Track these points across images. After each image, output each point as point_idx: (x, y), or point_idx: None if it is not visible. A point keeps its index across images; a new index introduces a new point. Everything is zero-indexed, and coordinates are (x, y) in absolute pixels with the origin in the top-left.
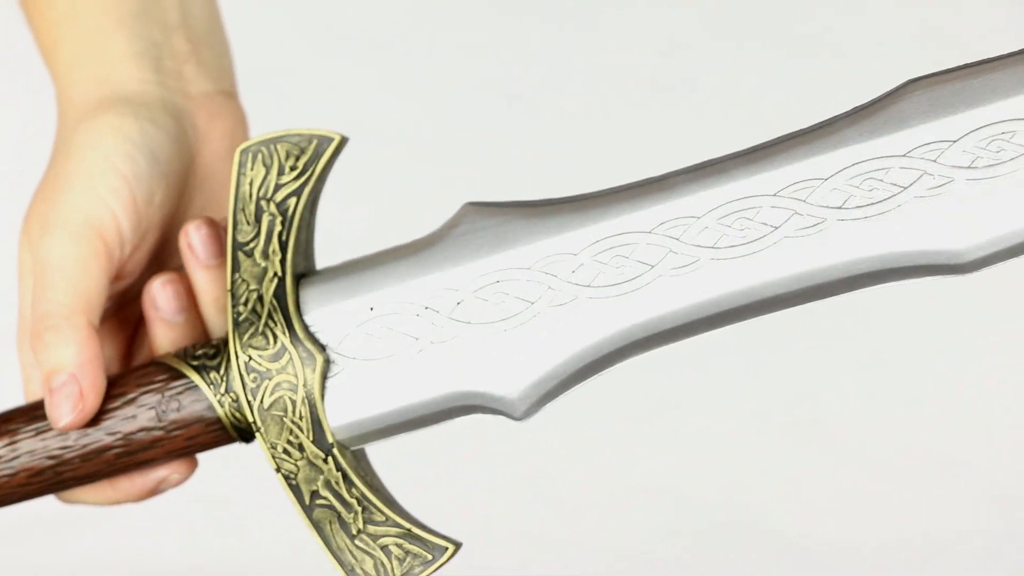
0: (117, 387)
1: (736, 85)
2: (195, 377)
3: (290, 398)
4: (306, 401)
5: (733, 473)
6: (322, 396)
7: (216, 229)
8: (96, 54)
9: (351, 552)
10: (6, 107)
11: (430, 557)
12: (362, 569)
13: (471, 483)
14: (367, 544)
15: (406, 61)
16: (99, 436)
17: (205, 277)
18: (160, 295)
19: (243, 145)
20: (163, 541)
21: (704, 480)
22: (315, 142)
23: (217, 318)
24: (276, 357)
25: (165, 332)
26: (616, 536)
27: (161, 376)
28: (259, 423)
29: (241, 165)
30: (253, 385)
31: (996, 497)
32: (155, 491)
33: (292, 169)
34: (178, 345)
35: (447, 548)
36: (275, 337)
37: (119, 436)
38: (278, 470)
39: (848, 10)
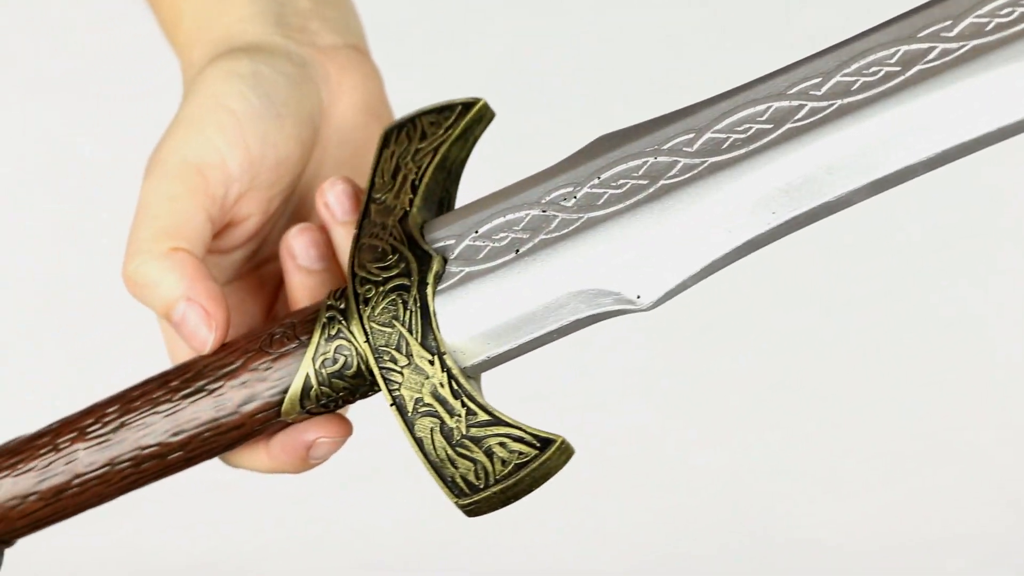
0: (225, 349)
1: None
2: (322, 305)
3: (402, 300)
4: (417, 302)
5: (738, 471)
6: (434, 297)
7: (351, 186)
8: (216, 18)
9: (451, 461)
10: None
11: (535, 452)
12: (462, 477)
13: None
14: (469, 449)
15: (405, 60)
16: (207, 407)
17: (342, 233)
18: (296, 242)
19: (389, 126)
20: (166, 537)
21: (707, 478)
22: (459, 108)
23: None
24: (393, 265)
25: (302, 281)
26: (618, 533)
27: (291, 315)
28: (368, 330)
29: (386, 140)
30: (368, 295)
31: (1008, 496)
32: (306, 457)
33: (433, 134)
34: (315, 295)
35: (554, 441)
36: (393, 249)
37: (227, 387)
38: (384, 380)
39: (849, 10)
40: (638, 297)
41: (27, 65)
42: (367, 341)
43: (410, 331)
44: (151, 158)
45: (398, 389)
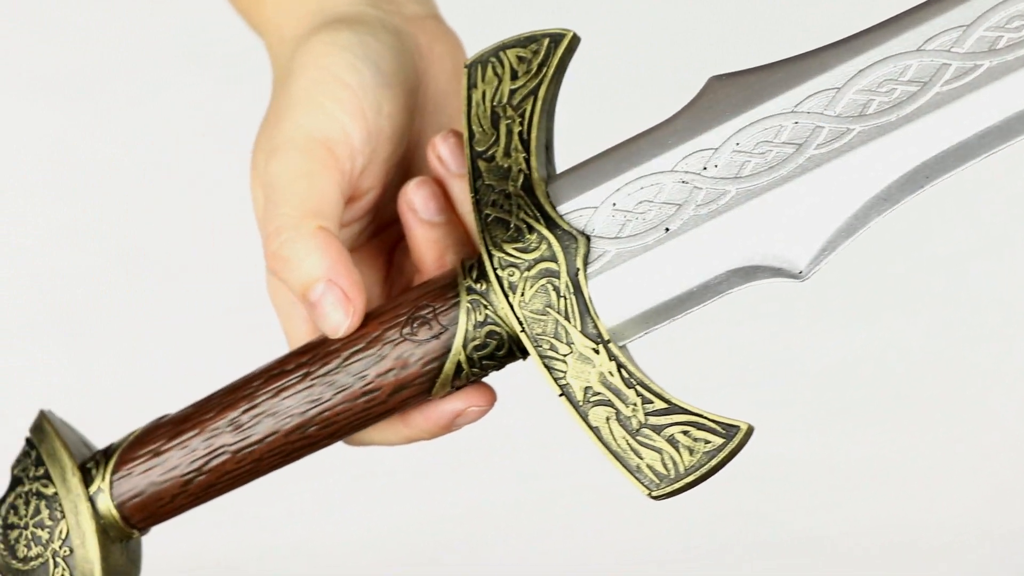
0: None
1: None
2: (461, 287)
3: (553, 286)
4: (570, 288)
5: (737, 468)
6: (586, 282)
7: (461, 139)
8: None
9: (634, 450)
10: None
11: (722, 441)
12: (648, 467)
13: (472, 481)
14: (650, 438)
15: None
16: (355, 376)
17: (460, 187)
18: (416, 196)
19: (471, 58)
20: (165, 539)
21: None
22: (547, 41)
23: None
24: (534, 247)
25: (425, 234)
26: (617, 532)
27: (427, 291)
28: (522, 319)
29: (471, 78)
30: (512, 280)
31: (1006, 496)
32: (452, 425)
33: (526, 73)
34: (440, 247)
35: (740, 428)
36: (530, 228)
37: (373, 373)
38: (547, 369)
39: (850, 10)
40: (793, 266)
41: (21, 65)
42: (523, 331)
43: (567, 319)
44: (269, 136)
45: (564, 378)
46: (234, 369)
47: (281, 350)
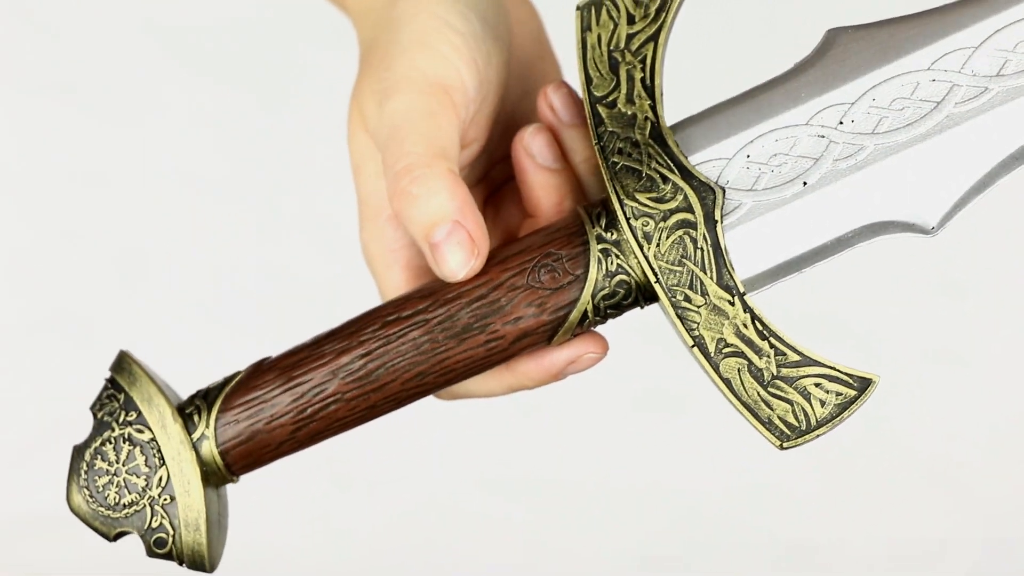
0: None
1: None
2: (590, 235)
3: (690, 237)
4: (707, 239)
5: (729, 473)
6: (723, 233)
7: (572, 90)
8: None
9: (765, 402)
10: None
11: (855, 393)
12: (780, 418)
13: (471, 481)
14: (782, 389)
15: None
16: (478, 312)
17: (572, 136)
18: (534, 142)
19: (582, 1)
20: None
21: (700, 480)
22: None
23: (591, 179)
24: (669, 197)
25: (544, 180)
26: (614, 534)
27: (553, 238)
28: (656, 269)
29: (584, 21)
30: (647, 229)
31: (990, 503)
32: (562, 374)
33: (644, 17)
34: (559, 193)
35: (872, 380)
36: (664, 178)
37: (499, 321)
38: (680, 320)
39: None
40: (926, 222)
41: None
42: (657, 281)
43: (703, 270)
44: (379, 78)
45: (696, 329)
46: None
47: (277, 347)
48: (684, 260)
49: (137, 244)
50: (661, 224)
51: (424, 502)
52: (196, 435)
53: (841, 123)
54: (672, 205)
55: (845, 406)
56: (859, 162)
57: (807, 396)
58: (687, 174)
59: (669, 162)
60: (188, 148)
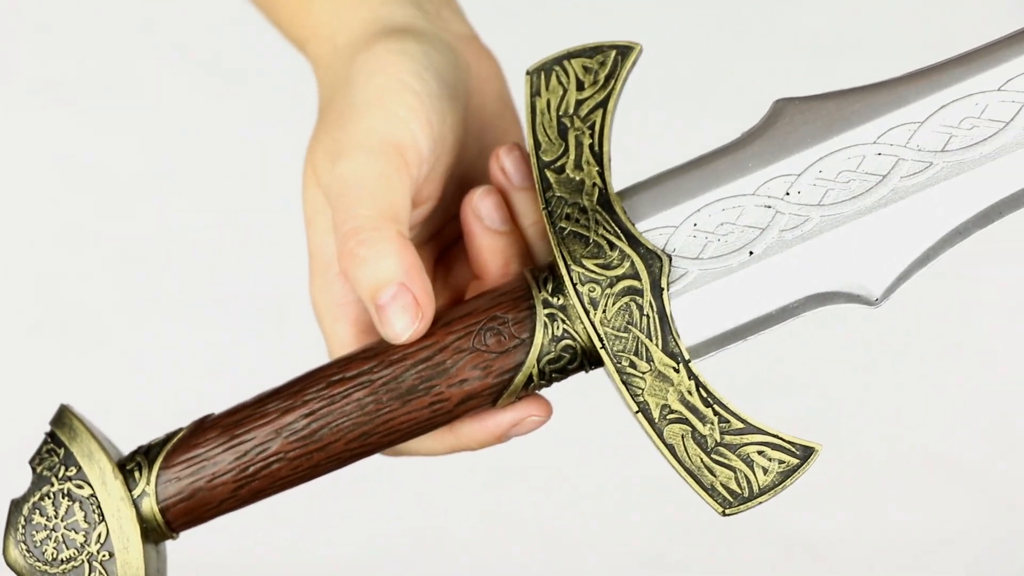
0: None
1: (737, 83)
2: (536, 300)
3: (636, 304)
4: (652, 306)
5: None
6: (670, 301)
7: (525, 152)
8: (357, 1)
9: (708, 468)
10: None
11: (797, 461)
12: (723, 485)
13: (471, 481)
14: (725, 456)
15: None
16: (423, 374)
17: (522, 199)
18: (483, 205)
19: (533, 66)
20: None
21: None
22: (614, 53)
23: (539, 242)
24: (616, 264)
25: (491, 243)
26: (617, 532)
27: (499, 302)
28: (602, 335)
29: (533, 86)
30: (593, 295)
31: (994, 498)
32: (505, 436)
33: (593, 84)
34: (505, 256)
35: (815, 449)
36: (611, 245)
37: (443, 384)
38: (625, 385)
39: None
40: (870, 293)
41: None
42: (603, 347)
43: (649, 337)
44: (333, 138)
45: (641, 395)
46: (231, 373)
47: (274, 352)
48: (630, 327)
49: (135, 244)
50: (608, 291)
51: (424, 497)
52: (136, 492)
53: (788, 194)
54: (619, 272)
55: (787, 474)
56: (805, 233)
57: (750, 463)
58: (634, 241)
59: (616, 229)
60: (189, 147)
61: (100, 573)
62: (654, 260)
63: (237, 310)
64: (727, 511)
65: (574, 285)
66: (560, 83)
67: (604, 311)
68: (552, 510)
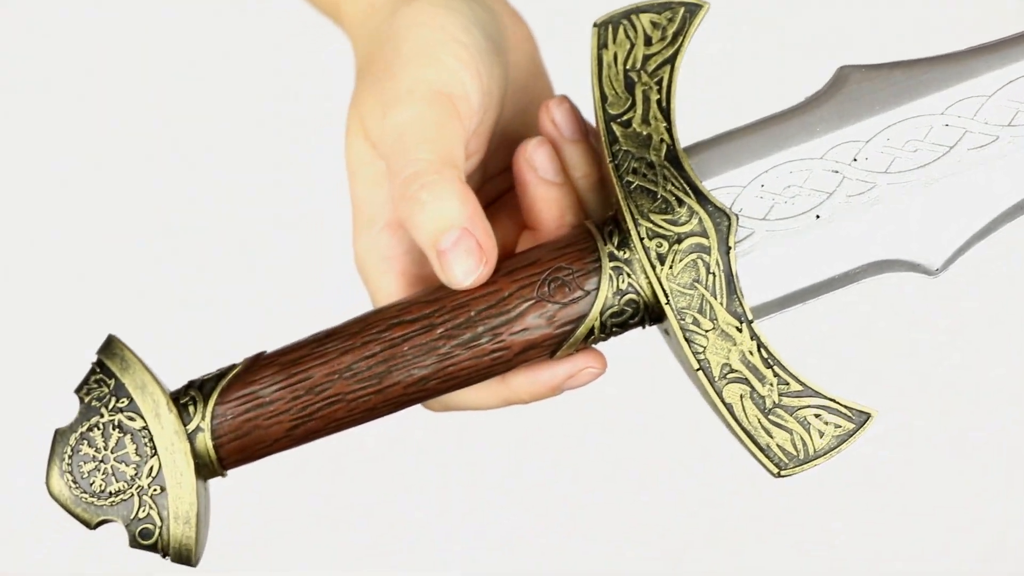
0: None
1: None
2: (602, 252)
3: (703, 261)
4: (719, 265)
5: (725, 467)
6: (736, 260)
7: (574, 105)
8: None
9: (765, 429)
10: None
11: (853, 427)
12: (779, 446)
13: (472, 480)
14: (782, 418)
15: None
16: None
17: (573, 151)
18: (537, 155)
19: (600, 18)
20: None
21: (699, 479)
22: (682, 10)
23: (589, 194)
24: (684, 220)
25: (546, 193)
26: (613, 534)
27: (564, 253)
28: (668, 291)
29: (600, 39)
30: (660, 251)
31: (990, 497)
32: (560, 388)
33: (661, 39)
34: (560, 207)
35: (870, 415)
36: (679, 201)
37: (506, 332)
38: (688, 342)
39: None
40: (930, 263)
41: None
42: (668, 303)
43: (714, 295)
44: (382, 88)
45: (703, 353)
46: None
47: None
48: (696, 284)
49: (137, 238)
50: (675, 247)
51: (419, 503)
52: (191, 427)
53: (855, 160)
54: (686, 228)
55: (843, 438)
56: (870, 200)
57: (806, 426)
58: (702, 198)
59: (684, 185)
60: (189, 144)
61: (150, 507)
62: (722, 218)
63: (233, 305)
64: (782, 472)
65: (641, 240)
66: (628, 37)
67: (671, 267)
68: (543, 511)
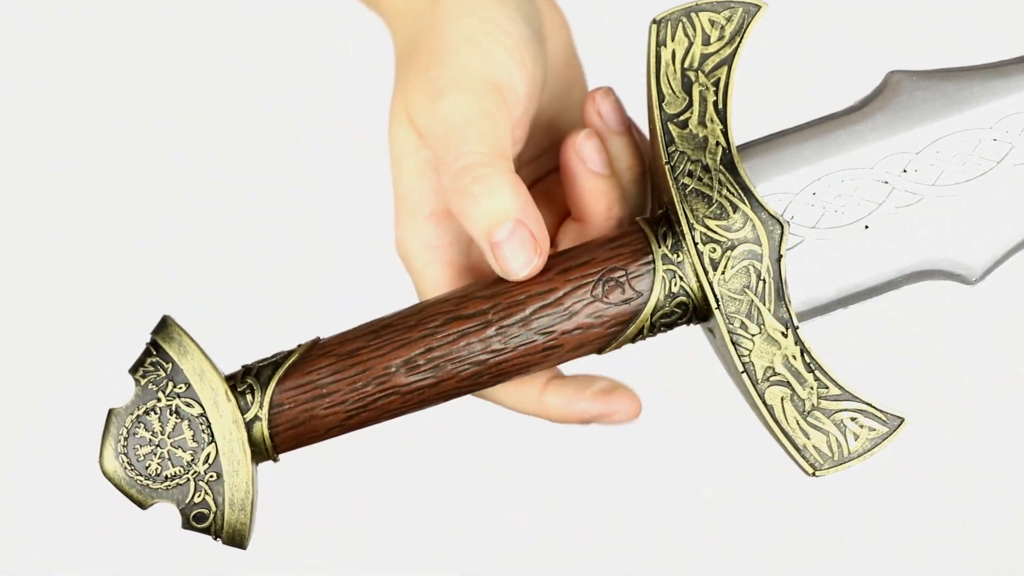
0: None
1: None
2: (656, 255)
3: (754, 268)
4: (770, 272)
5: (721, 466)
6: (786, 268)
7: (618, 98)
8: None
9: (803, 431)
10: None
11: (886, 431)
12: (815, 447)
13: (472, 480)
14: (820, 421)
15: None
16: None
17: (618, 144)
18: (586, 147)
19: (659, 15)
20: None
21: (701, 478)
22: (740, 10)
23: (633, 188)
24: (738, 227)
25: (595, 185)
26: (614, 534)
27: (617, 253)
28: (719, 296)
29: (659, 35)
30: (713, 256)
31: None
32: (589, 422)
33: (719, 39)
34: (608, 199)
35: (903, 420)
36: (733, 207)
37: (559, 330)
38: (734, 345)
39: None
40: (970, 272)
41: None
42: (718, 307)
43: (763, 301)
44: (428, 78)
45: (748, 356)
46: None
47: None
48: (747, 290)
49: (137, 238)
50: (729, 253)
51: (419, 502)
52: (249, 415)
53: (904, 171)
54: (740, 235)
55: (877, 442)
56: (916, 210)
57: (843, 429)
58: (756, 205)
59: (740, 191)
60: (189, 144)
61: (206, 493)
62: (775, 226)
63: (244, 302)
64: (817, 472)
65: (696, 244)
66: (686, 35)
67: (723, 272)
68: (538, 506)
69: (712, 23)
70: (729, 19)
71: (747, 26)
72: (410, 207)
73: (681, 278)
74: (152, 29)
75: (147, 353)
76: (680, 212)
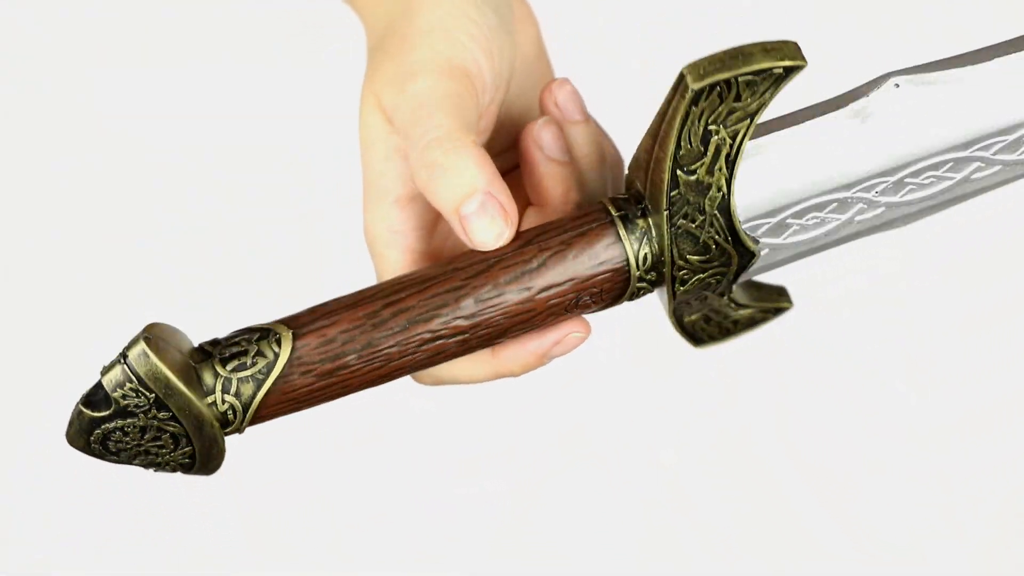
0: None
1: None
2: (632, 276)
3: (715, 280)
4: (728, 286)
5: (726, 471)
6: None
7: (575, 87)
8: None
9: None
10: None
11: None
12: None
13: (472, 481)
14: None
15: None
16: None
17: (574, 131)
18: (544, 134)
19: (700, 85)
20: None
21: (699, 475)
22: (779, 72)
23: (590, 173)
24: (715, 260)
25: (552, 171)
26: (613, 534)
27: (599, 272)
28: (675, 294)
29: (696, 95)
30: (683, 276)
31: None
32: (548, 356)
33: (751, 95)
34: (566, 186)
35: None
36: (717, 245)
37: (530, 289)
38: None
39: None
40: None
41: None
42: (673, 313)
43: (713, 292)
44: (400, 62)
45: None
46: None
47: None
48: (703, 292)
49: (138, 238)
50: (699, 276)
51: (419, 502)
52: (230, 430)
53: (877, 192)
54: (715, 264)
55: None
56: (867, 224)
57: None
58: (737, 240)
59: (725, 231)
60: (188, 144)
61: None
62: (747, 256)
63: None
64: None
65: (673, 277)
66: (719, 97)
67: (687, 289)
68: (534, 488)
69: (748, 84)
70: (765, 79)
71: (783, 84)
72: (378, 191)
73: (648, 290)
74: (152, 29)
75: (124, 375)
76: (667, 254)
